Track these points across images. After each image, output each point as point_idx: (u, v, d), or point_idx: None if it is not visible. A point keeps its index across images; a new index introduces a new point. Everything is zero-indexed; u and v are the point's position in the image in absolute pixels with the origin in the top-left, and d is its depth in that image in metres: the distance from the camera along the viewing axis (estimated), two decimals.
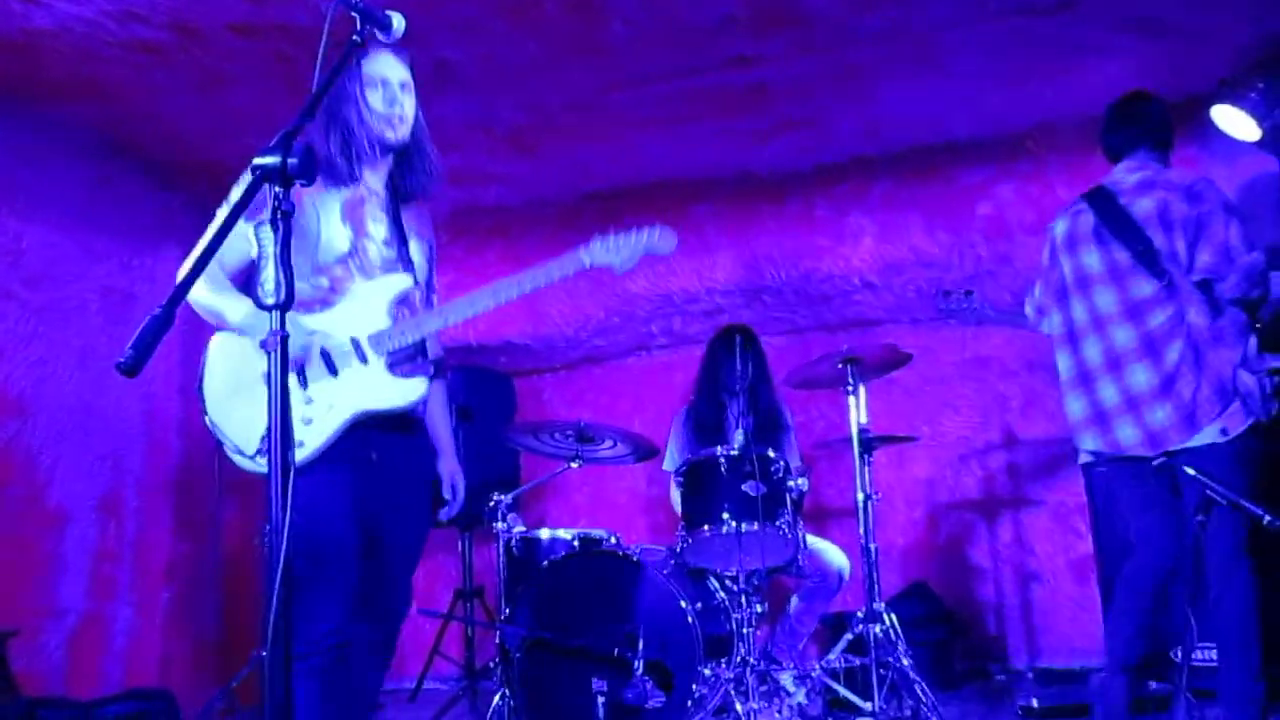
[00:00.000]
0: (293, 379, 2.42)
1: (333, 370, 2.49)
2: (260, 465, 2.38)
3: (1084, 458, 3.43)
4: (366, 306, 2.55)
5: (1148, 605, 3.18)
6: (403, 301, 2.61)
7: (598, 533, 4.08)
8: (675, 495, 4.72)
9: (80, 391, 4.51)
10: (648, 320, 5.67)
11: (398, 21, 2.30)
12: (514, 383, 5.91)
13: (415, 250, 2.70)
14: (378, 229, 2.63)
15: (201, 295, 2.51)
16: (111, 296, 4.71)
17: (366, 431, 2.50)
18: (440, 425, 2.87)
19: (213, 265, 2.49)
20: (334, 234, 2.54)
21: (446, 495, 2.85)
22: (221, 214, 2.49)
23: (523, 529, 4.17)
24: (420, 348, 2.66)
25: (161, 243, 4.96)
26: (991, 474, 5.47)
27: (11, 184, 4.28)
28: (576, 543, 3.99)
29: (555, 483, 5.58)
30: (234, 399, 2.46)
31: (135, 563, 4.71)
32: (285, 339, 1.69)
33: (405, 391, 2.54)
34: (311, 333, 2.48)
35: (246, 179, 2.41)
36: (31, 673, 4.04)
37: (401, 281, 2.60)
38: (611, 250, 2.65)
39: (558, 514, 5.98)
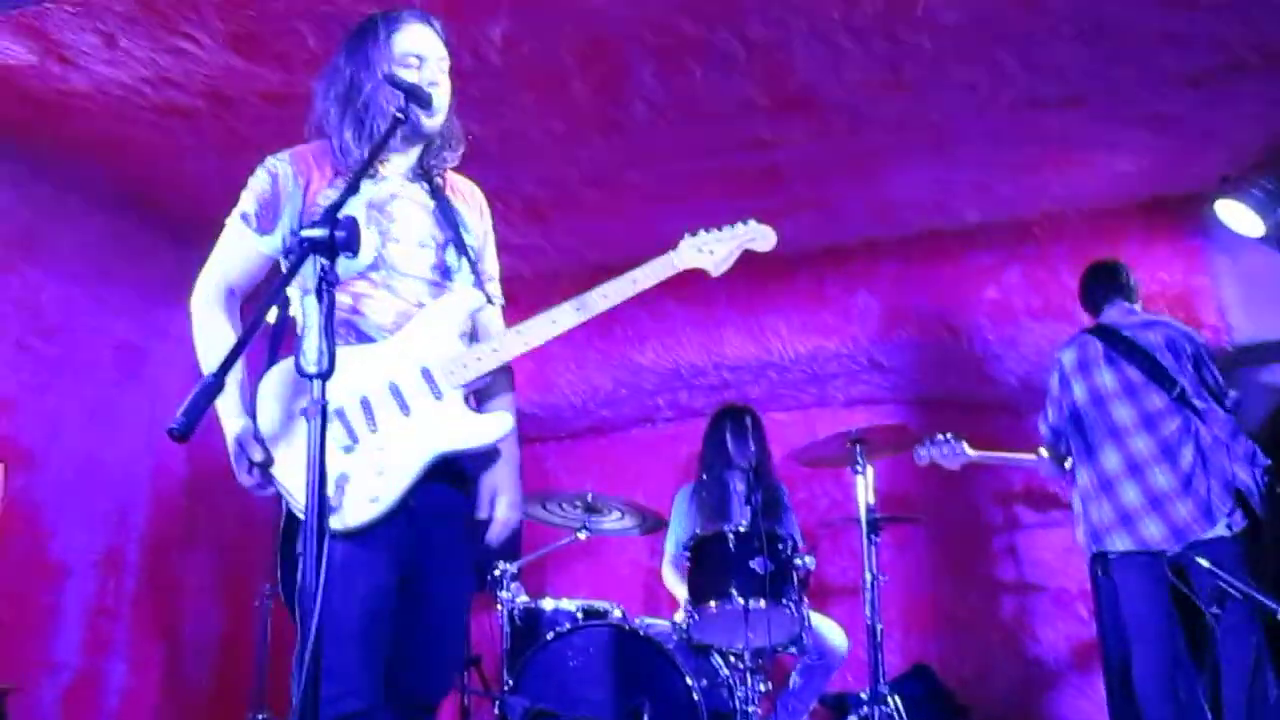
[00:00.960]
0: (361, 423, 2.16)
1: (405, 411, 2.20)
2: (335, 523, 2.04)
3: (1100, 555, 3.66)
4: (433, 330, 2.25)
5: (1168, 694, 3.35)
6: (473, 321, 2.34)
7: (602, 604, 4.07)
8: (669, 573, 4.71)
9: (89, 445, 4.51)
10: (654, 393, 5.71)
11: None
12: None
13: (460, 245, 2.38)
14: (409, 229, 2.32)
15: (210, 328, 2.29)
16: (124, 351, 4.74)
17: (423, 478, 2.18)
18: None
19: (226, 289, 2.31)
20: None
21: (482, 513, 2.35)
22: (232, 224, 2.32)
23: (526, 599, 4.16)
24: (498, 377, 2.35)
25: (175, 299, 4.92)
26: (993, 556, 5.46)
27: (33, 236, 4.32)
28: (580, 614, 3.98)
29: (556, 552, 5.57)
30: (290, 448, 2.14)
31: (133, 620, 4.67)
32: (325, 408, 1.72)
33: (488, 428, 2.23)
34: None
35: (261, 180, 2.29)
36: None
37: (471, 299, 2.33)
38: (704, 250, 2.37)
39: (559, 584, 5.95)
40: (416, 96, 2.21)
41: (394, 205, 2.33)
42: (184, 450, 4.86)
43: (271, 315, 2.23)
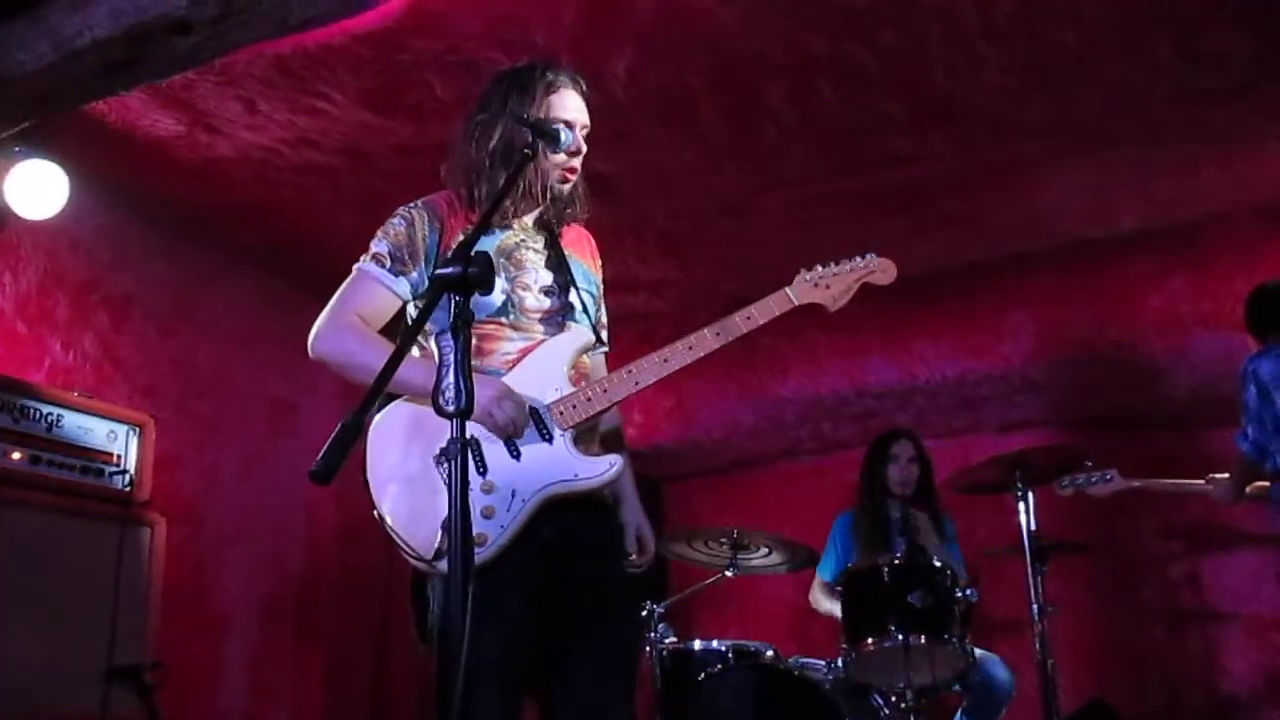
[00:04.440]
0: (470, 465, 2.10)
1: (515, 453, 2.16)
2: (441, 569, 2.02)
3: None
4: (544, 370, 2.23)
5: None
6: (583, 361, 2.32)
7: (753, 644, 3.93)
8: (817, 595, 4.54)
9: (245, 498, 4.65)
10: (797, 425, 5.58)
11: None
12: (663, 488, 5.85)
13: (577, 292, 2.37)
14: (534, 275, 2.32)
15: (357, 335, 2.25)
16: (276, 406, 4.88)
17: (546, 513, 2.15)
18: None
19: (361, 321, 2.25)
20: None
21: (630, 548, 2.37)
22: (362, 267, 2.29)
23: (674, 639, 4.05)
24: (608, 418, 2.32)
25: None
26: (1174, 583, 5.10)
27: (189, 301, 4.52)
28: (731, 654, 3.85)
29: (702, 592, 5.46)
30: (403, 492, 2.13)
31: (294, 668, 4.77)
32: (466, 447, 1.67)
33: (597, 471, 2.18)
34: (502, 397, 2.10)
35: (395, 226, 2.27)
36: None
37: (581, 338, 2.30)
38: (820, 286, 2.34)
39: (707, 623, 5.82)
40: (543, 132, 2.20)
41: (520, 252, 2.33)
42: (334, 500, 4.96)
43: None
